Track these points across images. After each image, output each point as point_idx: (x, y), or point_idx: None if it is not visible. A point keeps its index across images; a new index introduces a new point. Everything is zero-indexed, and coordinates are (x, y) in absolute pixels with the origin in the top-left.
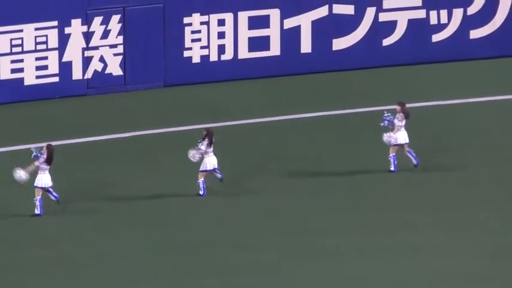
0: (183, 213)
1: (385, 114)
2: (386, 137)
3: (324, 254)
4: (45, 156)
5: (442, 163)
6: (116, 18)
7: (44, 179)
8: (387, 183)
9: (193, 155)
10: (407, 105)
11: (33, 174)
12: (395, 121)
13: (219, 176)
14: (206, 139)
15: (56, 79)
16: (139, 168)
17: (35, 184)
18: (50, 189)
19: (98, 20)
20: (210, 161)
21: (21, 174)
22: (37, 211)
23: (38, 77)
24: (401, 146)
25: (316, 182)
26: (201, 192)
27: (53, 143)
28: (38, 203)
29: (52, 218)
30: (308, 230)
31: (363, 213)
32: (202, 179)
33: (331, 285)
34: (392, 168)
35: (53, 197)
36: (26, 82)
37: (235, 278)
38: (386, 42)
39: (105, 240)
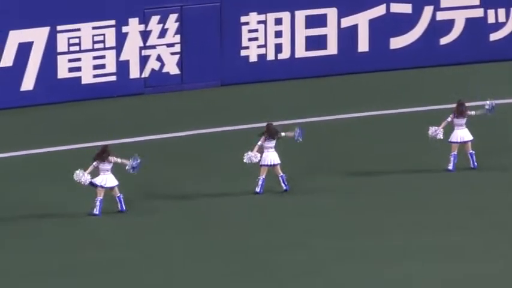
0: (238, 213)
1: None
2: (431, 131)
3: (374, 255)
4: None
5: (500, 163)
6: (173, 17)
7: (104, 179)
8: (443, 183)
9: (249, 157)
10: (467, 104)
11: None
12: (455, 120)
13: (283, 187)
14: (264, 134)
15: (113, 78)
16: (197, 167)
17: (95, 182)
18: (121, 198)
19: (155, 19)
20: (268, 156)
21: (80, 175)
22: (95, 211)
23: (95, 76)
24: (463, 144)
25: (370, 181)
26: (258, 190)
27: (109, 142)
28: (97, 203)
29: (108, 219)
30: (361, 230)
31: (416, 213)
32: (263, 177)
33: (379, 286)
34: (450, 167)
35: (119, 206)
36: (84, 81)
37: (283, 279)
38: (444, 41)
39: (160, 241)
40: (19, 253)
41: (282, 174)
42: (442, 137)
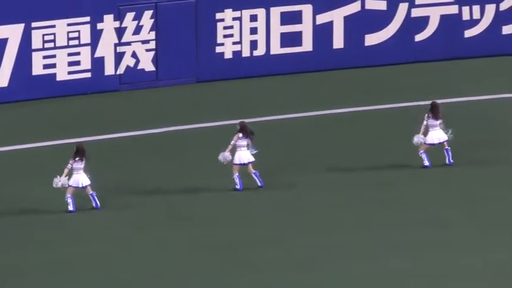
0: (216, 210)
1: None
2: (416, 138)
3: (358, 250)
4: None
5: (474, 159)
6: (148, 13)
7: (77, 178)
8: (419, 179)
9: (224, 157)
10: (440, 101)
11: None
12: (429, 121)
13: (258, 183)
14: (238, 133)
15: (88, 75)
16: (172, 164)
17: (69, 183)
18: (94, 195)
19: (130, 15)
20: (241, 155)
21: (58, 182)
22: (70, 208)
23: (70, 72)
24: (438, 144)
25: (348, 178)
26: (237, 187)
27: (85, 139)
28: (69, 200)
29: (84, 215)
30: (341, 226)
31: (395, 209)
32: (237, 174)
33: (365, 281)
34: (426, 164)
35: (94, 204)
36: (58, 78)
37: (269, 275)
38: (419, 37)
39: (137, 237)
40: None
41: (254, 171)
42: (432, 142)
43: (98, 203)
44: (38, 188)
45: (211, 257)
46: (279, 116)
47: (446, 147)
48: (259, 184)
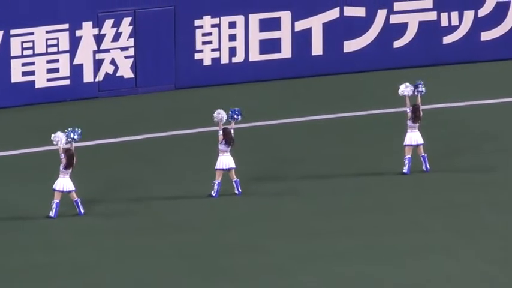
0: (194, 216)
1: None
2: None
3: (334, 256)
4: (64, 161)
5: (452, 165)
6: (127, 20)
7: (63, 183)
8: (397, 185)
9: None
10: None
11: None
12: (409, 122)
13: (236, 191)
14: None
15: (67, 82)
16: (151, 171)
17: (53, 187)
18: (78, 202)
19: (109, 22)
20: (223, 160)
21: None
22: (51, 214)
23: (49, 79)
24: (415, 147)
25: (326, 184)
26: (213, 194)
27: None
28: (54, 206)
29: (63, 221)
30: (318, 232)
31: (373, 215)
32: (218, 181)
33: (344, 287)
34: (405, 171)
35: (77, 210)
36: (37, 85)
37: (245, 281)
38: (398, 44)
39: (116, 244)
40: None
41: (236, 179)
42: (412, 143)
43: (82, 209)
44: (18, 195)
45: (192, 264)
46: (258, 123)
47: (423, 154)
48: (236, 192)
